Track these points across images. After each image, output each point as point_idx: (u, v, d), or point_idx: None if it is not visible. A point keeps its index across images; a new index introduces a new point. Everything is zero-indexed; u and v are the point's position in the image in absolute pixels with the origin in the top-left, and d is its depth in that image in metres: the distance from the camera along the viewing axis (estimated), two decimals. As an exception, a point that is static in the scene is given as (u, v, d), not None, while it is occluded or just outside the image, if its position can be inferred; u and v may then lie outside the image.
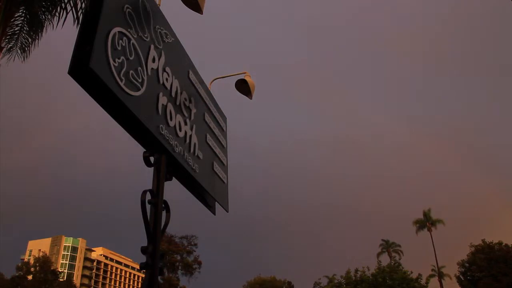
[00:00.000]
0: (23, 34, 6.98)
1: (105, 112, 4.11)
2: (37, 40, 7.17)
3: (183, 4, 5.26)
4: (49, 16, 6.74)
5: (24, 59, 7.26)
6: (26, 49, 7.25)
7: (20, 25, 6.80)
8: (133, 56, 4.14)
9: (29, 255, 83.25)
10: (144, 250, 4.25)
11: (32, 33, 7.06)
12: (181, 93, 5.25)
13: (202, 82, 6.12)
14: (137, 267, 37.04)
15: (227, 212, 6.54)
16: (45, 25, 6.92)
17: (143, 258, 4.27)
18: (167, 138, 4.68)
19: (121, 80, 3.84)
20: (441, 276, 50.94)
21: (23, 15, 6.69)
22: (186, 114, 5.36)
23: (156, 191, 4.58)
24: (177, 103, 5.11)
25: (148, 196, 4.41)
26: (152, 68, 4.53)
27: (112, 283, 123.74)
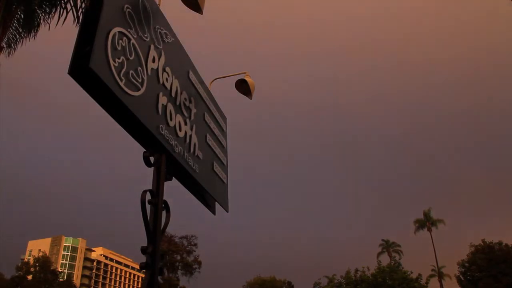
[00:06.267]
0: (11, 30, 6.94)
1: (105, 112, 4.12)
2: (27, 38, 7.15)
3: (183, 4, 5.26)
4: (47, 16, 6.72)
5: (8, 55, 7.24)
6: (12, 45, 7.23)
7: (10, 21, 6.74)
8: (133, 56, 4.15)
9: (29, 255, 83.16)
10: (144, 250, 4.25)
11: (21, 30, 7.04)
12: (181, 93, 5.25)
13: (202, 82, 6.12)
14: (137, 267, 37.00)
15: (227, 212, 6.54)
16: (41, 24, 6.91)
17: (143, 258, 4.27)
18: (167, 138, 4.68)
19: (121, 80, 3.84)
20: (441, 276, 50.91)
21: (16, 11, 6.65)
22: (186, 114, 5.36)
23: (156, 191, 4.58)
24: (177, 103, 5.11)
25: (148, 196, 4.41)
26: (152, 68, 4.53)
27: (112, 283, 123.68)
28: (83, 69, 3.50)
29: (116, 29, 3.90)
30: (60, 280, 62.44)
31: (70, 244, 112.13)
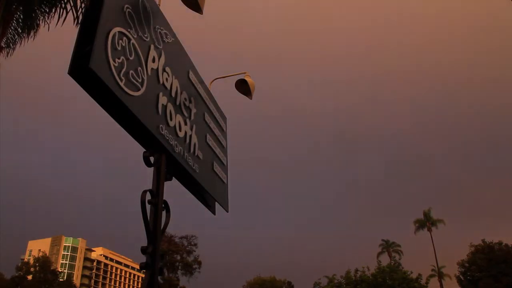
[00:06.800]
0: (10, 31, 6.93)
1: (105, 112, 4.12)
2: (26, 39, 7.15)
3: (183, 4, 5.26)
4: (47, 17, 6.72)
5: (7, 56, 7.23)
6: (11, 45, 7.22)
7: (10, 21, 6.73)
8: (133, 56, 4.15)
9: (29, 255, 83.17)
10: (144, 250, 4.25)
11: (20, 30, 7.03)
12: (181, 93, 5.25)
13: (202, 82, 6.12)
14: (137, 267, 36.99)
15: (227, 212, 6.54)
16: (40, 25, 6.90)
17: (143, 258, 4.27)
18: (167, 138, 4.68)
19: (121, 80, 3.84)
20: (441, 276, 50.92)
21: (16, 12, 6.64)
22: (186, 114, 5.36)
23: (156, 191, 4.58)
24: (177, 103, 5.12)
25: (148, 196, 4.41)
26: (152, 68, 4.53)
27: (112, 283, 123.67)
28: (83, 69, 3.50)
29: (116, 29, 3.90)
30: (60, 280, 62.42)
31: (70, 244, 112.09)
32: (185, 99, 5.38)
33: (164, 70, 4.83)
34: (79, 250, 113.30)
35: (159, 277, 4.46)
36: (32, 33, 7.10)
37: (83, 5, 5.66)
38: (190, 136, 5.40)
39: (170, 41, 5.16)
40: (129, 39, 4.11)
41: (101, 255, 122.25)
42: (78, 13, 5.72)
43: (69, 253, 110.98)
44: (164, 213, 4.71)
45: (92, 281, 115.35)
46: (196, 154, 5.50)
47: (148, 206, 4.39)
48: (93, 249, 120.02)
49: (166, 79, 4.87)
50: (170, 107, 4.85)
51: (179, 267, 52.74)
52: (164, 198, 4.70)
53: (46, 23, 6.82)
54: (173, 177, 5.10)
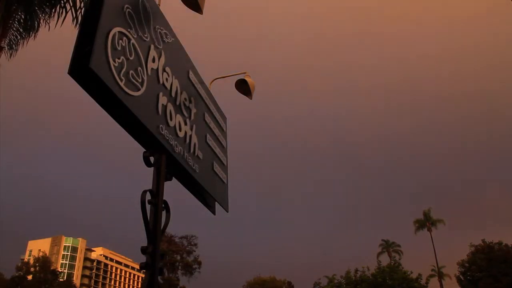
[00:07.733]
0: (12, 32, 6.94)
1: (106, 112, 4.12)
2: (27, 39, 7.15)
3: (183, 4, 5.26)
4: (47, 17, 6.72)
5: (10, 57, 7.23)
6: (14, 47, 7.22)
7: (10, 21, 6.75)
8: (133, 56, 4.15)
9: (29, 255, 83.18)
10: (144, 250, 4.26)
11: (22, 31, 7.04)
12: (181, 93, 5.26)
13: (202, 82, 6.13)
14: (137, 267, 37.02)
15: (227, 212, 6.55)
16: (41, 25, 6.91)
17: (143, 258, 4.27)
18: (167, 138, 4.68)
19: (121, 80, 3.84)
20: (441, 276, 50.93)
21: (16, 12, 6.65)
22: (186, 114, 5.36)
23: (156, 191, 4.58)
24: (177, 103, 5.12)
25: (148, 196, 4.41)
26: (152, 68, 4.53)
27: (112, 283, 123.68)
28: (83, 69, 3.51)
29: (116, 29, 3.90)
30: (60, 280, 62.48)
31: (70, 244, 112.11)
32: (185, 99, 5.39)
33: (164, 70, 4.83)
34: (79, 250, 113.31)
35: (159, 277, 4.46)
36: (32, 34, 7.11)
37: (82, 4, 5.66)
38: (190, 136, 5.40)
39: (170, 41, 5.16)
40: (129, 39, 4.11)
41: (101, 255, 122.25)
42: (78, 13, 5.72)
43: (69, 253, 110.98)
44: (164, 213, 4.71)
45: (92, 281, 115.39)
46: (196, 154, 5.50)
47: (148, 206, 4.39)
48: (93, 249, 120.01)
49: (166, 79, 4.87)
50: (170, 107, 4.85)
51: (179, 267, 52.78)
52: (164, 198, 4.71)
53: (46, 23, 6.83)
54: (173, 177, 5.10)
